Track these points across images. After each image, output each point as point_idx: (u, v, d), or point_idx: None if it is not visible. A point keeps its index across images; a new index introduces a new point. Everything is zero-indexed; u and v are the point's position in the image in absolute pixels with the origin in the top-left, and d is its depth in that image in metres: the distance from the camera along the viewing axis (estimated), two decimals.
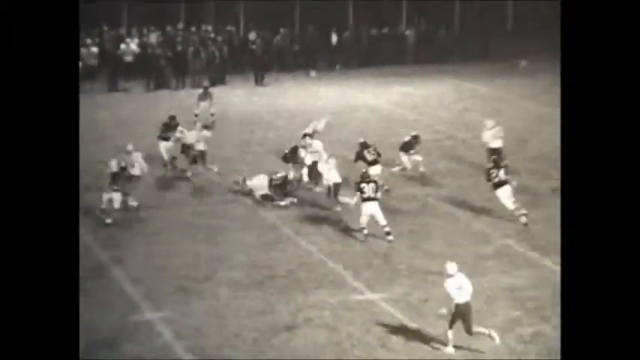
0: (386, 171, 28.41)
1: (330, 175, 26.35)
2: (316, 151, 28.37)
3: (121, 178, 25.54)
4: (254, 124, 37.30)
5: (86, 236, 24.56)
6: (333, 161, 26.58)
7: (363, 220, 24.10)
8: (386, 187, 26.79)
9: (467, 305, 18.01)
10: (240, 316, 19.97)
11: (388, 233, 24.08)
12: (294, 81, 46.71)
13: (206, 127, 32.19)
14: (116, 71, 45.05)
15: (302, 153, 28.53)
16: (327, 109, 39.82)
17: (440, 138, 33.33)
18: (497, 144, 28.44)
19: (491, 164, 26.06)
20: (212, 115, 36.29)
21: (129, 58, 45.87)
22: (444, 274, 18.14)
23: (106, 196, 25.25)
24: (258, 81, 45.86)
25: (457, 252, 23.20)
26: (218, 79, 45.19)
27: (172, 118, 30.74)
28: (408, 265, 22.63)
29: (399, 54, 50.94)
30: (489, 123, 28.49)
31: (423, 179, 28.99)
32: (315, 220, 25.73)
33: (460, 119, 37.88)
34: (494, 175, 25.43)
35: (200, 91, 37.58)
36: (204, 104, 36.67)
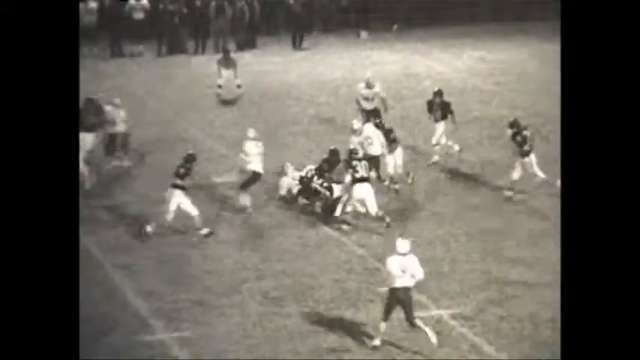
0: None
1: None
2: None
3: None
4: (292, 98, 37.24)
5: (86, 238, 24.75)
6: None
7: (349, 208, 24.30)
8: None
9: (405, 292, 18.76)
10: (274, 337, 19.99)
11: (382, 218, 24.31)
12: (341, 44, 46.70)
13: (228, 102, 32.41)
14: (120, 32, 44.96)
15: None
16: (380, 77, 39.86)
17: (521, 115, 33.08)
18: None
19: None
20: (238, 86, 35.99)
21: (139, 16, 45.54)
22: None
23: None
24: (297, 44, 45.77)
25: (542, 255, 23.27)
26: (247, 43, 45.22)
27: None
28: (483, 271, 22.60)
29: (470, 11, 50.83)
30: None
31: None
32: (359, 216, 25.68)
33: (547, 91, 37.62)
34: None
35: (220, 56, 37.29)
36: (226, 73, 36.15)
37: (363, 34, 47.94)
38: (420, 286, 21.86)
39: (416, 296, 21.43)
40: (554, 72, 40.08)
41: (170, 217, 24.32)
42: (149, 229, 24.39)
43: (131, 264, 23.32)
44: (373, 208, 24.13)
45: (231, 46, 43.63)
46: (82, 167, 27.14)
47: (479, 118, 32.95)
